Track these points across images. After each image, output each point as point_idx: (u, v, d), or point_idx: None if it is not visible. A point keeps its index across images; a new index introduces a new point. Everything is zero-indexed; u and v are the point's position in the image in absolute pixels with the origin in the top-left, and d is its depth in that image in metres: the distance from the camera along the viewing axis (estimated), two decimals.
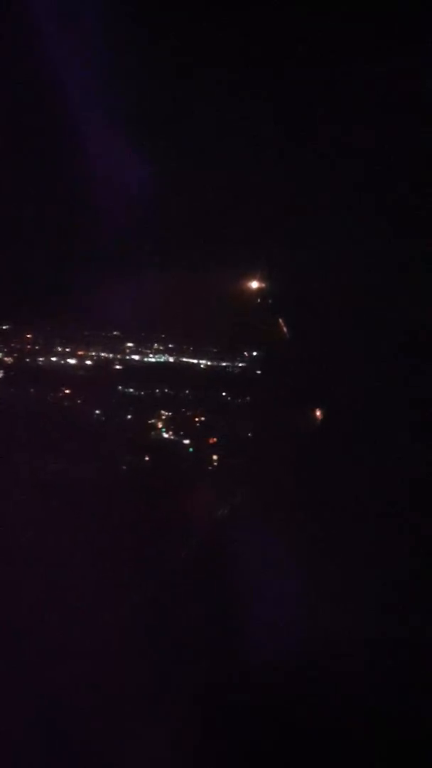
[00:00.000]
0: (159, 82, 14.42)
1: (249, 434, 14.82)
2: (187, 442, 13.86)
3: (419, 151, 13.07)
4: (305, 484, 13.41)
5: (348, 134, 13.57)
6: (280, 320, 15.88)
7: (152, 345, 15.62)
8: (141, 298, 15.48)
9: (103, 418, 14.20)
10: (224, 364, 15.29)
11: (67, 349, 15.72)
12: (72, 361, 15.55)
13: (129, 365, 15.37)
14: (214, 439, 14.15)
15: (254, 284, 16.11)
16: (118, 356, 15.69)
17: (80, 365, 15.55)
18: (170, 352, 15.63)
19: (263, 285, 16.11)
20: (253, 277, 16.02)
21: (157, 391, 15.18)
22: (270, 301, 16.15)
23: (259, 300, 16.16)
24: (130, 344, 15.70)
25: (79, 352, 15.66)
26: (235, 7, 13.59)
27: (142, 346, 15.71)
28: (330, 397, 14.56)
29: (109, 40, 13.68)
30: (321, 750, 9.75)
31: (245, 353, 15.70)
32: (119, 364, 15.39)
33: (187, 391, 15.10)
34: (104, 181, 14.44)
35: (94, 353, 15.67)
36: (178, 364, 15.28)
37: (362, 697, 10.31)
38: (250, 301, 16.14)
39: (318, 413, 14.88)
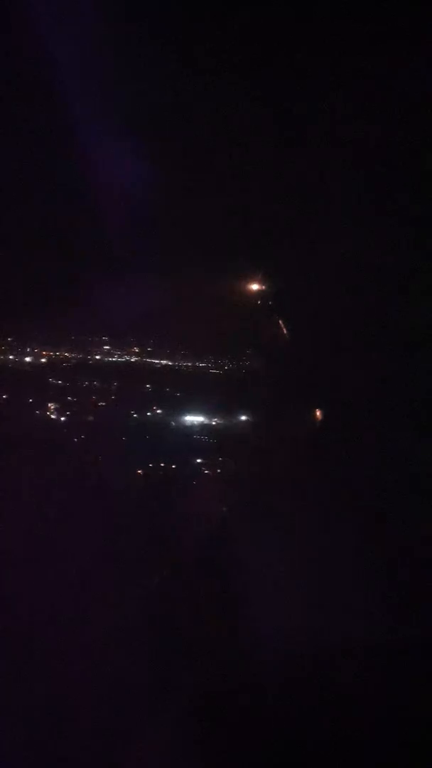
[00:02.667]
0: (162, 86, 14.52)
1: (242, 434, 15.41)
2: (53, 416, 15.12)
3: (419, 153, 13.12)
4: (305, 482, 13.45)
5: (347, 137, 13.62)
6: (280, 321, 15.93)
7: (128, 347, 16.37)
8: (140, 300, 15.51)
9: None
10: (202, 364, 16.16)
11: (35, 350, 16.46)
12: (28, 359, 16.38)
13: (84, 363, 16.32)
14: (91, 418, 15.34)
15: (255, 286, 16.15)
16: (79, 355, 16.40)
17: (35, 363, 16.42)
18: (154, 355, 16.42)
19: (263, 286, 16.15)
20: (254, 279, 16.06)
21: (86, 383, 16.03)
22: (270, 302, 16.20)
23: (259, 301, 16.21)
24: (107, 347, 16.41)
25: (43, 352, 16.47)
26: (239, 8, 13.62)
27: (117, 348, 16.49)
28: (329, 397, 14.60)
29: (111, 41, 13.77)
30: (323, 751, 9.77)
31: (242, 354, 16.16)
32: (74, 362, 16.36)
33: (115, 384, 15.99)
34: (105, 184, 14.57)
35: (55, 353, 16.41)
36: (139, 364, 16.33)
37: (364, 696, 10.33)
38: (250, 302, 16.18)
39: (317, 413, 14.94)
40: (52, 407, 15.56)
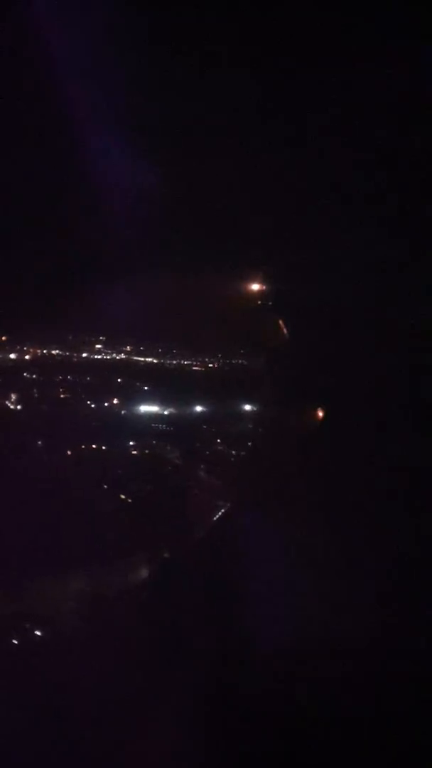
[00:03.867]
0: (164, 85, 14.57)
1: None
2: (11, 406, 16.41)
3: (419, 152, 13.12)
4: (306, 484, 13.42)
5: (348, 137, 13.63)
6: (280, 321, 15.92)
7: (121, 346, 17.10)
8: (141, 301, 15.58)
9: None
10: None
11: (24, 348, 17.18)
12: (12, 356, 17.28)
13: (68, 361, 17.07)
14: (45, 407, 16.39)
15: (254, 286, 16.16)
16: (66, 353, 17.08)
17: (18, 359, 17.24)
18: (143, 354, 17.15)
19: (263, 286, 16.16)
20: (254, 279, 16.08)
21: (59, 378, 17.02)
22: (270, 302, 16.21)
23: (259, 301, 16.23)
24: (99, 345, 17.15)
25: (30, 350, 17.13)
26: (241, 8, 13.67)
27: (110, 347, 17.23)
28: (331, 398, 14.58)
29: (113, 41, 13.77)
30: (323, 749, 9.70)
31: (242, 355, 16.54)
32: (59, 359, 17.14)
33: (88, 378, 16.83)
34: (103, 184, 14.61)
35: (42, 351, 17.21)
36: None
37: (364, 694, 10.26)
38: (250, 302, 16.21)
39: (319, 414, 14.91)
40: (13, 397, 16.46)
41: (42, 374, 16.89)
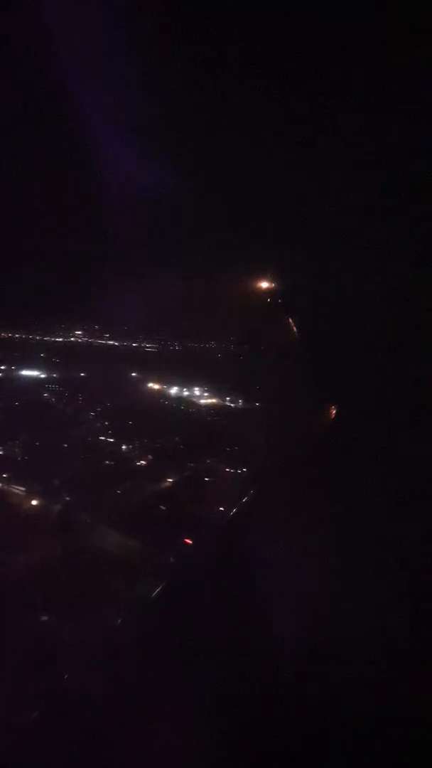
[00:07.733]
0: (170, 88, 14.60)
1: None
2: None
3: (421, 154, 13.04)
4: (318, 480, 13.54)
5: (353, 139, 13.62)
6: (290, 320, 16.01)
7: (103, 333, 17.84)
8: (152, 299, 15.74)
9: None
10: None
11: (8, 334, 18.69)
12: None
13: (25, 341, 18.25)
14: None
15: (264, 285, 16.24)
16: (31, 336, 18.12)
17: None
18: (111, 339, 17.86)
19: (273, 286, 16.24)
20: (264, 279, 16.16)
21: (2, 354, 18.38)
22: (280, 301, 16.30)
23: (269, 300, 16.32)
24: (79, 331, 17.97)
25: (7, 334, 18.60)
26: (244, 13, 13.60)
27: (91, 335, 17.95)
28: (340, 395, 14.66)
29: (118, 44, 13.84)
30: (330, 749, 9.85)
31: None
32: (20, 342, 18.38)
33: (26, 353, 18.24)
34: (118, 185, 14.70)
35: (27, 335, 18.23)
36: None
37: (370, 694, 10.39)
38: (260, 301, 16.30)
39: (328, 411, 15.01)
40: None
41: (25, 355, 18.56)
